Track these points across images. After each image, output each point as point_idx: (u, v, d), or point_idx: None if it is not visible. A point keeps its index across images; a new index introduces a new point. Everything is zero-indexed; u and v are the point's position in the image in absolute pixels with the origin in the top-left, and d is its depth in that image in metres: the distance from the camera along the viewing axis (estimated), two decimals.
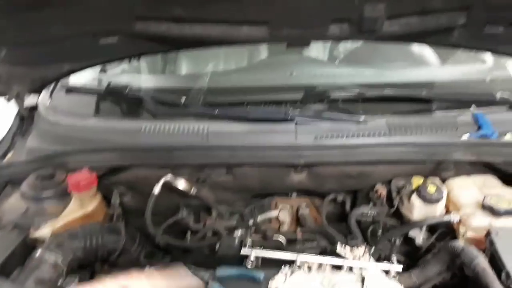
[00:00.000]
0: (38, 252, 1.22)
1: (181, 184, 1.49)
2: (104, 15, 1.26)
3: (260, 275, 1.22)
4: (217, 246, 1.42)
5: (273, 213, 1.68)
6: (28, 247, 1.29)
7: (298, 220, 1.70)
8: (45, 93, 1.83)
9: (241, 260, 1.28)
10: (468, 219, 1.31)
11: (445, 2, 1.23)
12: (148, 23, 1.30)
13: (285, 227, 1.70)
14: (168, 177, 1.47)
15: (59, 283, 1.21)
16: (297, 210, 1.70)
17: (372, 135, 1.54)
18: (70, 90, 1.89)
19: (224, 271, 1.23)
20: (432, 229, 1.46)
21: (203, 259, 1.37)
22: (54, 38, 1.32)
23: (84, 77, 2.02)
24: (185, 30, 1.30)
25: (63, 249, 1.25)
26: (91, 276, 1.38)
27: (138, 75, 2.30)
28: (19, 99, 1.68)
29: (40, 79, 1.60)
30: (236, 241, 1.42)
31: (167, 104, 1.78)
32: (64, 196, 1.44)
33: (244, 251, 1.29)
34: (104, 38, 1.35)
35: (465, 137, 1.51)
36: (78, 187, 1.40)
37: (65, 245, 1.26)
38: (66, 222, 1.39)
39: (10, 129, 1.78)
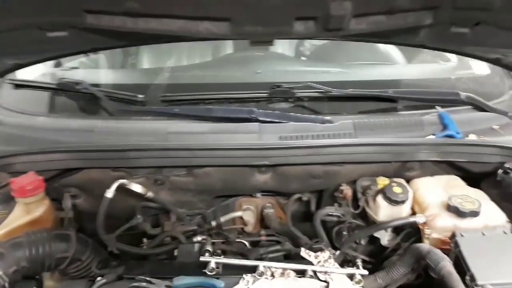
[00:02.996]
0: None
1: (137, 187, 1.40)
2: (50, 7, 1.17)
3: (221, 283, 1.16)
4: (176, 252, 1.35)
5: (237, 214, 1.63)
6: None
7: (263, 220, 1.65)
8: None
9: (202, 267, 1.21)
10: (433, 220, 1.30)
11: (412, 1, 1.21)
12: (100, 16, 1.21)
13: (249, 228, 1.65)
14: (123, 179, 1.39)
15: None
16: (262, 210, 1.64)
17: (338, 135, 1.51)
18: (19, 85, 1.78)
19: (182, 280, 1.17)
20: (397, 229, 1.43)
21: (160, 267, 1.29)
22: None
23: (36, 71, 1.90)
24: (140, 25, 1.22)
25: (4, 260, 1.15)
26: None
27: (96, 70, 2.19)
28: None
29: None
30: (196, 247, 1.36)
31: (124, 101, 1.70)
32: (8, 201, 1.34)
33: (203, 258, 1.22)
34: (52, 31, 1.25)
35: (430, 137, 1.50)
36: (23, 192, 1.30)
37: (7, 256, 1.16)
38: (10, 230, 1.29)
39: None
